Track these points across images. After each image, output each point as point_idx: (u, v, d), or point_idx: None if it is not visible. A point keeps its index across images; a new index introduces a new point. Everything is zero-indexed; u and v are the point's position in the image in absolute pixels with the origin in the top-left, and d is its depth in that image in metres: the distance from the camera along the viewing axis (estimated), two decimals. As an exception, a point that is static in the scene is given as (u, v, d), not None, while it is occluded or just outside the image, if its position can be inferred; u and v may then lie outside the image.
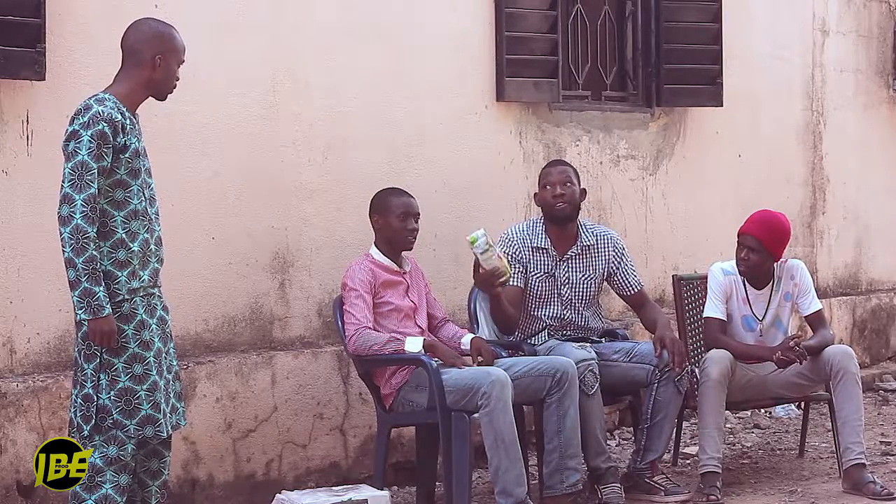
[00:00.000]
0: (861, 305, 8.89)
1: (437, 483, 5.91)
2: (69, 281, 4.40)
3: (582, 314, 6.14)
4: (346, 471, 6.18)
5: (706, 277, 6.32)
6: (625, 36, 7.64)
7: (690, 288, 6.58)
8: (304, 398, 6.08)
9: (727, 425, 7.14)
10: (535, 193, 6.19)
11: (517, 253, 6.08)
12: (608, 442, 6.32)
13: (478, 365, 5.63)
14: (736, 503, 5.90)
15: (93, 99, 4.49)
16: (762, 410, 7.60)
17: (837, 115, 8.76)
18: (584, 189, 6.20)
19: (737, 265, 6.15)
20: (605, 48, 7.53)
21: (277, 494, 5.55)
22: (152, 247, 4.60)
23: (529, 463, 5.94)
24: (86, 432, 4.46)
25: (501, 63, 6.86)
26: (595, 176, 7.31)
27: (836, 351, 6.08)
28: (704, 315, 6.23)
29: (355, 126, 6.32)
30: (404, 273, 5.79)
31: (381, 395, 5.70)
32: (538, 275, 6.09)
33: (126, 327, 4.48)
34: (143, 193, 4.56)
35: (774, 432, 7.41)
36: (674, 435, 6.38)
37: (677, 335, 6.21)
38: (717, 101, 7.82)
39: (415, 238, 5.79)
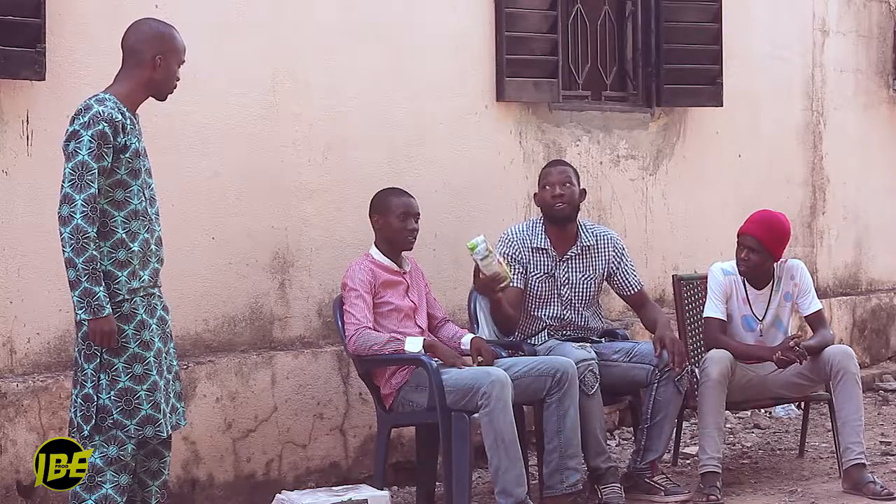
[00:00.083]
0: (861, 305, 8.89)
1: (437, 483, 5.91)
2: (69, 281, 4.40)
3: (582, 314, 6.14)
4: (346, 471, 6.18)
5: (706, 277, 6.32)
6: (625, 36, 7.64)
7: (690, 288, 6.58)
8: (304, 398, 6.08)
9: (727, 425, 7.14)
10: (535, 193, 6.19)
11: (517, 253, 6.08)
12: (608, 442, 6.32)
13: (478, 365, 5.63)
14: (736, 503, 5.90)
15: (93, 99, 4.49)
16: (762, 410, 7.60)
17: (837, 115, 8.76)
18: (584, 189, 6.20)
19: (737, 265, 6.15)
20: (605, 48, 7.53)
21: (277, 494, 5.56)
22: (152, 247, 4.60)
23: (529, 463, 5.94)
24: (86, 432, 4.46)
25: (501, 63, 6.86)
26: (595, 176, 7.31)
27: (836, 351, 6.08)
28: (704, 315, 6.23)
29: (355, 126, 6.32)
30: (404, 273, 5.79)
31: (381, 395, 5.70)
32: (538, 275, 6.09)
33: (126, 327, 4.48)
34: (144, 193, 4.56)
35: (774, 432, 7.41)
36: (674, 435, 6.38)
37: (677, 335, 6.21)
38: (717, 101, 7.82)
39: (415, 238, 5.80)
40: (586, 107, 7.38)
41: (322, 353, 6.15)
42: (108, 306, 4.40)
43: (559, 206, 6.03)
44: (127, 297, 4.49)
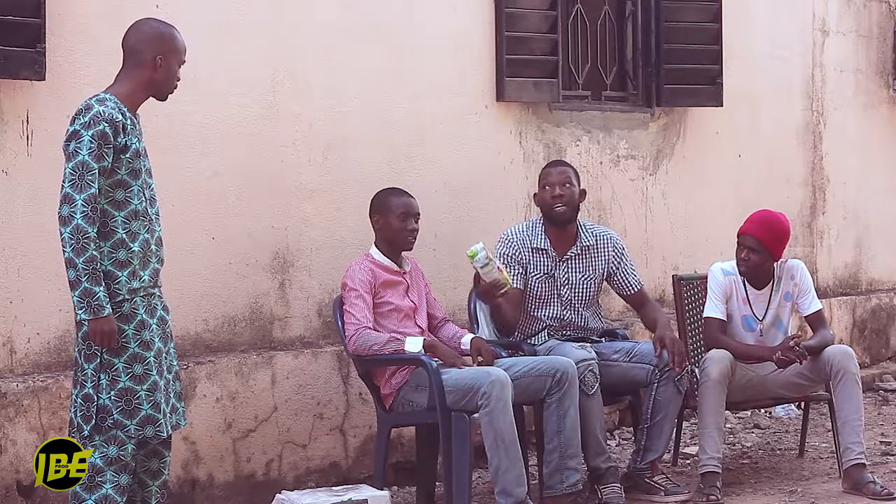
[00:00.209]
0: (861, 305, 8.89)
1: (437, 483, 5.91)
2: (69, 281, 4.39)
3: (581, 314, 6.14)
4: (346, 471, 6.18)
5: (706, 277, 6.32)
6: (625, 36, 7.64)
7: (690, 288, 6.58)
8: (304, 398, 6.08)
9: (727, 425, 7.14)
10: (535, 194, 6.19)
11: (516, 254, 6.07)
12: (608, 442, 6.32)
13: (478, 365, 5.63)
14: (736, 503, 5.90)
15: (93, 99, 4.49)
16: (762, 410, 7.60)
17: (837, 115, 8.76)
18: (584, 189, 6.19)
19: (737, 265, 6.15)
20: (605, 48, 7.53)
21: (277, 494, 5.55)
22: (153, 247, 4.60)
23: (529, 463, 5.94)
24: (86, 432, 4.46)
25: (501, 63, 6.86)
26: (595, 176, 7.31)
27: (836, 351, 6.08)
28: (704, 315, 6.23)
29: (355, 126, 6.32)
30: (404, 273, 5.79)
31: (381, 395, 5.70)
32: (538, 275, 6.09)
33: (126, 327, 4.48)
34: (144, 194, 4.56)
35: (774, 432, 7.41)
36: (674, 435, 6.38)
37: (677, 335, 6.21)
38: (717, 101, 7.82)
39: (415, 238, 5.79)
40: (586, 107, 7.38)
41: (322, 353, 6.15)
42: (109, 306, 4.40)
43: (558, 208, 6.03)
44: (127, 297, 4.49)
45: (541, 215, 6.15)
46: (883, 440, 7.05)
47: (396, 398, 5.64)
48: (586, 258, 6.14)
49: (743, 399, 6.22)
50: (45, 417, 5.28)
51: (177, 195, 5.59)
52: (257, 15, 6.00)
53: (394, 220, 5.74)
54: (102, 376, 4.47)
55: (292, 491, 5.62)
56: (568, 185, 6.06)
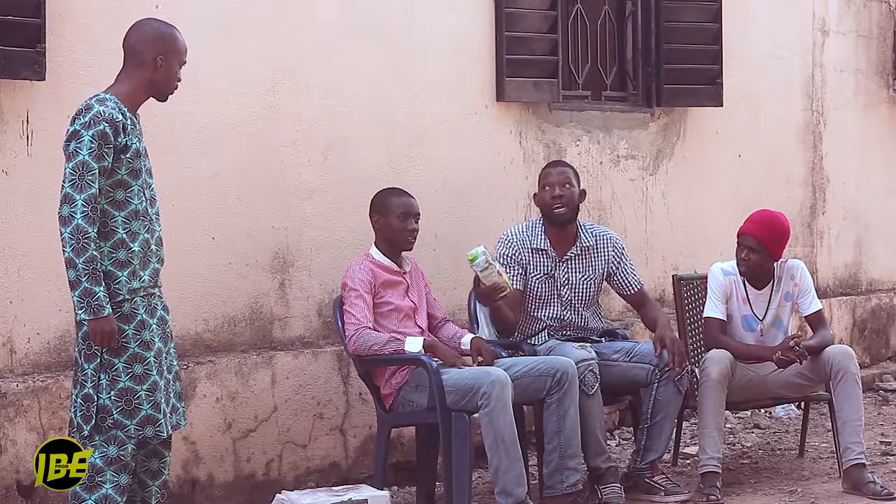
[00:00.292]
0: (861, 305, 8.89)
1: (437, 483, 5.91)
2: (69, 281, 4.39)
3: (581, 314, 6.14)
4: (346, 471, 6.18)
5: (706, 277, 6.32)
6: (625, 36, 7.64)
7: (690, 288, 6.58)
8: (304, 398, 6.08)
9: (727, 425, 7.14)
10: (535, 194, 6.19)
11: (516, 254, 6.07)
12: (608, 442, 6.32)
13: (478, 365, 5.63)
14: (736, 503, 5.90)
15: (94, 99, 4.49)
16: (762, 410, 7.60)
17: (837, 115, 8.76)
18: (584, 190, 6.19)
19: (737, 265, 6.15)
20: (605, 48, 7.53)
21: (277, 494, 5.56)
22: (153, 247, 4.60)
23: (529, 463, 5.94)
24: (86, 432, 4.46)
25: (501, 63, 6.86)
26: (595, 176, 7.31)
27: (836, 351, 6.08)
28: (704, 315, 6.23)
29: (355, 126, 6.32)
30: (404, 273, 5.79)
31: (381, 395, 5.70)
32: (537, 276, 6.09)
33: (126, 327, 4.48)
34: (144, 194, 4.56)
35: (774, 432, 7.41)
36: (674, 435, 6.38)
37: (677, 335, 6.21)
38: (717, 101, 7.82)
39: (415, 238, 5.79)
40: (586, 107, 7.38)
41: (322, 353, 6.15)
42: (109, 306, 4.40)
43: (557, 209, 6.02)
44: (127, 297, 4.49)
45: (541, 215, 6.15)
46: (883, 440, 7.05)
47: (396, 398, 5.64)
48: (586, 258, 6.14)
49: (743, 399, 6.22)
50: (45, 417, 5.28)
51: (177, 195, 5.59)
52: (257, 15, 6.00)
53: (394, 220, 5.73)
54: (102, 376, 4.47)
55: (292, 491, 5.62)
56: (568, 185, 6.06)
